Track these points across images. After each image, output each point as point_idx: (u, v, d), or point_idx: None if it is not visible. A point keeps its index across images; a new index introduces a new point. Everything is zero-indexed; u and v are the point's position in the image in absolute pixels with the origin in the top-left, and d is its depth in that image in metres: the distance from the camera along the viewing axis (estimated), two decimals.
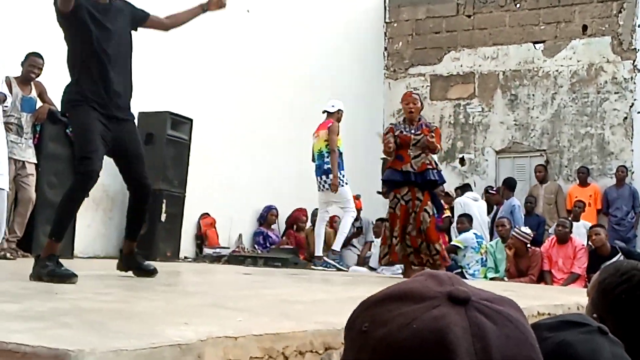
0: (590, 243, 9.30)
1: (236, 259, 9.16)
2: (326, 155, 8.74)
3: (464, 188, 11.89)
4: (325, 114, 9.05)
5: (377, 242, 9.96)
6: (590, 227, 9.57)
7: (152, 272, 4.90)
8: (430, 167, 6.44)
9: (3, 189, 6.25)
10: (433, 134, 6.37)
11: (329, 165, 8.67)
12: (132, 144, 4.73)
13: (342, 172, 8.78)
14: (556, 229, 9.58)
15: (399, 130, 6.55)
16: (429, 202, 6.43)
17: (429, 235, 6.37)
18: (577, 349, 1.29)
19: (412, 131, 6.51)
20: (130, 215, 5.03)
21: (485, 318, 0.80)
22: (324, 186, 8.79)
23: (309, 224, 10.96)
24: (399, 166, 6.43)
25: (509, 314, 0.83)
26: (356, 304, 0.87)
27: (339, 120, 8.87)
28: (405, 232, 6.40)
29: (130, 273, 4.92)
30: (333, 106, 9.01)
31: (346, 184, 8.82)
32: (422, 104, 6.75)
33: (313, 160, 9.09)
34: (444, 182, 7.02)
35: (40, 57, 7.01)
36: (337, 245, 9.05)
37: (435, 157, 6.62)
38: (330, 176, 8.62)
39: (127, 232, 5.07)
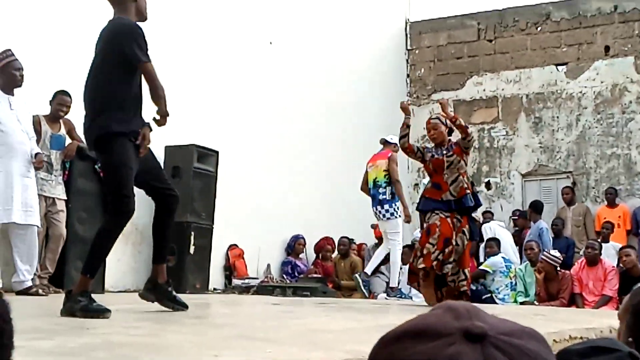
0: (620, 264, 9.21)
1: (265, 289, 9.17)
2: (383, 185, 8.79)
3: (485, 215, 11.88)
4: (383, 144, 9.18)
5: (405, 269, 9.93)
6: (620, 249, 9.48)
7: (183, 305, 4.85)
8: (469, 191, 6.29)
9: (34, 225, 6.35)
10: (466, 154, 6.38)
11: (385, 196, 8.72)
12: (150, 157, 4.65)
13: (397, 203, 8.85)
14: (585, 251, 9.49)
15: (430, 154, 6.44)
16: (467, 226, 6.29)
17: (462, 259, 6.22)
18: None
19: (444, 152, 6.39)
20: (156, 230, 4.88)
21: (502, 354, 0.79)
22: (378, 216, 8.89)
23: (336, 252, 10.97)
24: (438, 196, 6.27)
25: (527, 348, 0.81)
26: (386, 332, 0.88)
27: (395, 152, 8.96)
28: (447, 247, 6.14)
29: (158, 306, 4.91)
30: (392, 138, 9.09)
31: (399, 216, 8.88)
32: (447, 125, 6.53)
33: (363, 188, 9.18)
34: (481, 204, 6.92)
35: (68, 95, 7.13)
36: (369, 269, 9.20)
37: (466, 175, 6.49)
38: (386, 206, 8.67)
39: (155, 254, 4.94)
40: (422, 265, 6.14)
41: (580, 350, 1.33)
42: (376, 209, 8.92)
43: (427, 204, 6.41)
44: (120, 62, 4.41)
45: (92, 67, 4.50)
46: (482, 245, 10.50)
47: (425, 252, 6.14)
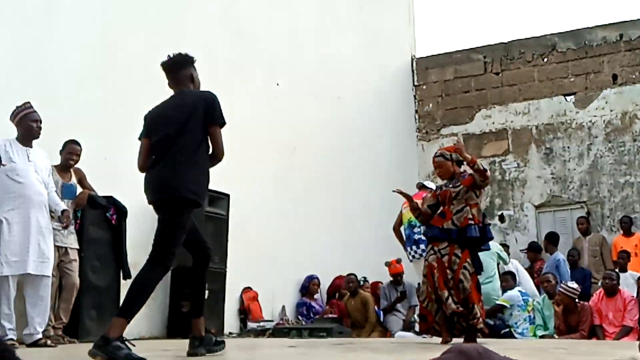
0: None
1: (281, 331, 9.10)
2: (418, 225, 8.75)
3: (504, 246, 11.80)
4: (419, 188, 9.27)
5: None
6: (639, 278, 9.37)
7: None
8: (473, 222, 6.06)
9: (48, 276, 6.34)
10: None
11: (420, 236, 8.69)
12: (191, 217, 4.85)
13: None
14: (603, 281, 9.38)
15: (439, 189, 6.40)
16: (468, 260, 6.05)
17: (470, 296, 5.97)
18: None
19: (451, 185, 6.28)
20: (194, 284, 5.16)
21: None
22: (414, 256, 8.86)
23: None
24: (440, 223, 6.15)
25: None
26: None
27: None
28: (438, 291, 6.01)
29: (173, 352, 4.88)
30: (429, 184, 9.32)
31: None
32: (451, 158, 6.37)
33: (395, 228, 9.25)
34: (492, 237, 6.45)
35: (78, 144, 7.17)
36: None
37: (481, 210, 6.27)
38: (422, 246, 8.63)
39: (194, 308, 5.20)
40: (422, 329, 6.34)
41: None
42: (411, 249, 8.92)
43: (428, 231, 6.32)
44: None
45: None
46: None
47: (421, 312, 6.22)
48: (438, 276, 6.03)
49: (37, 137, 6.47)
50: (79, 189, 7.22)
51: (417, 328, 9.88)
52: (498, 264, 10.01)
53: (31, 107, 6.46)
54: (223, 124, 4.85)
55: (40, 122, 6.47)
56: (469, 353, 0.82)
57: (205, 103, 4.79)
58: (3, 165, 6.13)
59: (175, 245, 4.64)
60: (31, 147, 6.46)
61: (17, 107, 6.45)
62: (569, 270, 10.67)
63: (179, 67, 4.94)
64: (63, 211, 6.56)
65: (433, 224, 6.25)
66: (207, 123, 4.74)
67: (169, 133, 4.69)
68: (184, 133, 4.67)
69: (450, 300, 5.98)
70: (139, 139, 4.97)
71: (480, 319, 6.03)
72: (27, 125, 6.41)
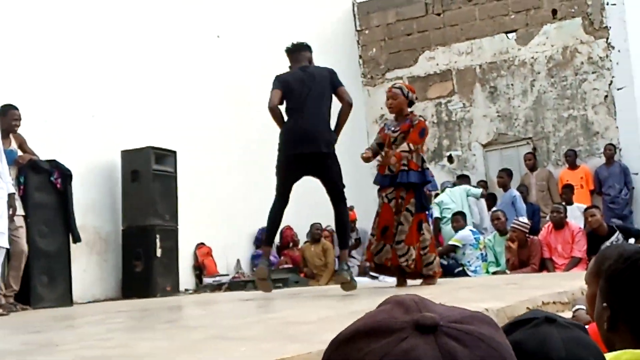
0: (587, 225, 9.29)
1: (237, 285, 9.11)
2: None
3: (462, 178, 11.93)
4: None
5: None
6: (585, 209, 9.56)
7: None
8: (407, 167, 6.09)
9: (2, 247, 6.16)
10: (413, 128, 6.14)
11: None
12: None
13: None
14: (551, 215, 9.56)
15: (384, 127, 6.40)
16: (412, 200, 6.09)
17: (408, 237, 6.05)
18: (526, 345, 1.28)
19: (392, 129, 6.27)
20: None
21: (456, 342, 0.78)
22: None
23: (305, 238, 10.93)
24: (382, 171, 6.24)
25: (480, 332, 0.80)
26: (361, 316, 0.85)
27: None
28: (385, 233, 6.11)
29: (129, 314, 4.84)
30: None
31: None
32: (407, 96, 6.35)
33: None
34: (429, 181, 6.47)
35: (17, 108, 6.98)
36: None
37: (420, 155, 6.25)
38: None
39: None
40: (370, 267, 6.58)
41: (503, 328, 1.31)
42: None
43: (375, 178, 6.45)
44: None
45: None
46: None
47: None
48: (379, 221, 6.20)
49: None
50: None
51: (372, 272, 10.01)
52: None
53: None
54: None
55: None
56: (405, 302, 0.81)
57: (329, 73, 6.25)
58: None
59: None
60: None
61: None
62: (524, 206, 10.84)
63: (300, 50, 6.42)
64: (10, 195, 6.33)
65: (378, 171, 6.32)
66: (334, 87, 6.15)
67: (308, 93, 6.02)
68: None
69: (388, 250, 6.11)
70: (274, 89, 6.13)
71: (413, 262, 6.05)
72: None
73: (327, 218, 11.20)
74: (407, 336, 0.78)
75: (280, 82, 6.21)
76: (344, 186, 6.06)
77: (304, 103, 6.00)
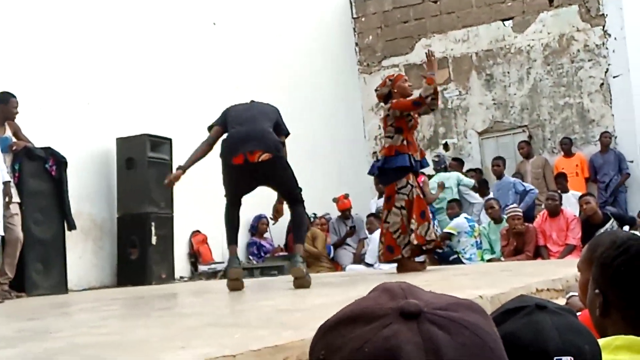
0: (582, 212, 9.30)
1: None
2: None
3: (456, 161, 11.96)
4: None
5: (372, 237, 9.94)
6: (580, 197, 9.57)
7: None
8: (382, 153, 6.46)
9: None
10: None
11: None
12: None
13: None
14: (546, 202, 9.58)
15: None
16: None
17: (401, 226, 6.25)
18: (521, 336, 1.28)
19: (387, 106, 6.39)
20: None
21: (439, 329, 0.78)
22: None
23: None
24: (414, 152, 6.27)
25: (465, 319, 0.80)
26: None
27: None
28: (425, 215, 6.26)
29: (123, 302, 4.84)
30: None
31: None
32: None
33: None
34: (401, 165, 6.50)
35: (14, 96, 6.98)
36: None
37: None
38: None
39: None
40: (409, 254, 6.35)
41: (494, 319, 1.31)
42: None
43: (406, 161, 6.30)
44: None
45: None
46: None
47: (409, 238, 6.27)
48: (417, 206, 6.22)
49: None
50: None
51: (368, 260, 10.02)
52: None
53: None
54: None
55: None
56: (392, 289, 0.82)
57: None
58: None
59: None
60: None
61: None
62: (525, 187, 10.82)
63: None
64: (5, 183, 6.32)
65: (403, 150, 6.29)
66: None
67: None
68: None
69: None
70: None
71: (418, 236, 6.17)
72: None
73: (321, 207, 11.25)
74: (390, 322, 0.78)
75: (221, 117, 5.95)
76: (300, 189, 5.71)
77: (245, 119, 5.66)
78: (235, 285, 5.42)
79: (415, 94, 6.35)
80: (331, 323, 0.83)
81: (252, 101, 5.97)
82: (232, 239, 5.65)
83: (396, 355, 0.75)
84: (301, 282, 5.25)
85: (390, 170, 6.25)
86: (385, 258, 6.50)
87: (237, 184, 5.62)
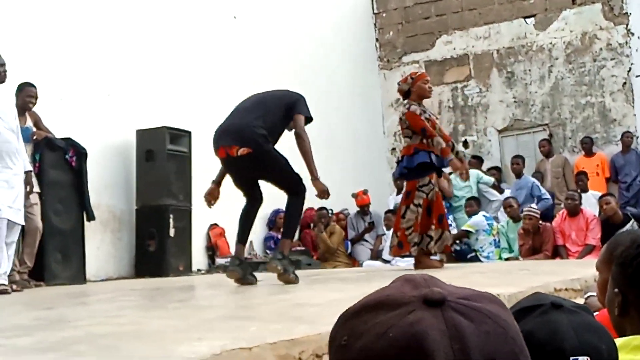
0: (602, 212, 9.23)
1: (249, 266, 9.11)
2: None
3: (476, 160, 11.93)
4: None
5: (389, 234, 9.92)
6: (600, 197, 9.50)
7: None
8: (403, 153, 6.46)
9: (18, 224, 6.17)
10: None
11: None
12: None
13: None
14: (565, 202, 9.52)
15: (427, 113, 6.41)
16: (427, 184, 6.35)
17: (415, 224, 6.29)
18: (537, 336, 1.27)
19: (432, 113, 6.52)
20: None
21: (463, 317, 0.79)
22: None
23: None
24: (445, 153, 6.27)
25: (487, 309, 0.81)
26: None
27: None
28: (442, 221, 6.33)
29: (140, 293, 4.86)
30: None
31: None
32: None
33: None
34: (420, 162, 6.54)
35: (34, 86, 6.99)
36: None
37: None
38: None
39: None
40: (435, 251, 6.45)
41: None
42: None
43: (438, 160, 6.36)
44: None
45: None
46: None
47: (440, 235, 6.35)
48: (436, 207, 6.29)
49: (3, 81, 6.24)
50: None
51: (385, 256, 10.01)
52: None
53: None
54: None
55: (5, 66, 6.21)
56: (415, 280, 0.83)
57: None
58: None
59: (298, 174, 5.70)
60: None
61: None
62: (544, 191, 10.78)
63: None
64: (27, 172, 6.34)
65: (438, 154, 6.31)
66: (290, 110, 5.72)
67: None
68: None
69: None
70: None
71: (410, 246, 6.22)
72: None
73: (339, 202, 11.24)
74: (414, 309, 0.79)
75: None
76: (296, 179, 5.54)
77: (234, 111, 5.67)
78: (242, 283, 5.41)
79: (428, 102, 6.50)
80: (354, 310, 0.83)
81: (267, 91, 5.88)
82: (239, 237, 5.65)
83: (421, 341, 0.76)
84: (284, 279, 5.23)
85: (413, 169, 6.26)
86: (394, 252, 6.64)
87: (232, 176, 5.65)
